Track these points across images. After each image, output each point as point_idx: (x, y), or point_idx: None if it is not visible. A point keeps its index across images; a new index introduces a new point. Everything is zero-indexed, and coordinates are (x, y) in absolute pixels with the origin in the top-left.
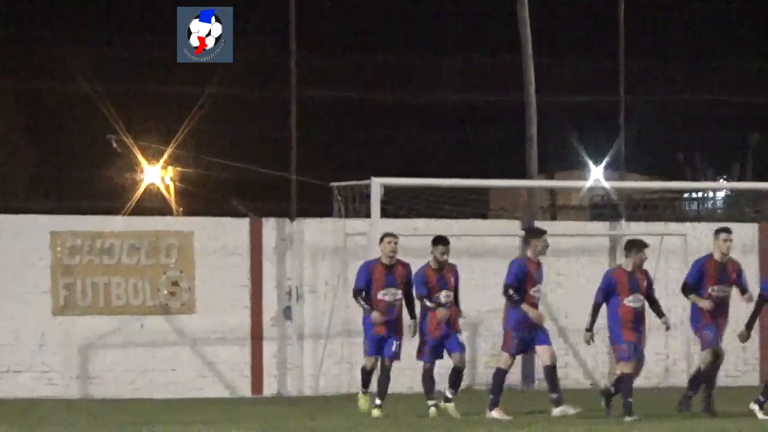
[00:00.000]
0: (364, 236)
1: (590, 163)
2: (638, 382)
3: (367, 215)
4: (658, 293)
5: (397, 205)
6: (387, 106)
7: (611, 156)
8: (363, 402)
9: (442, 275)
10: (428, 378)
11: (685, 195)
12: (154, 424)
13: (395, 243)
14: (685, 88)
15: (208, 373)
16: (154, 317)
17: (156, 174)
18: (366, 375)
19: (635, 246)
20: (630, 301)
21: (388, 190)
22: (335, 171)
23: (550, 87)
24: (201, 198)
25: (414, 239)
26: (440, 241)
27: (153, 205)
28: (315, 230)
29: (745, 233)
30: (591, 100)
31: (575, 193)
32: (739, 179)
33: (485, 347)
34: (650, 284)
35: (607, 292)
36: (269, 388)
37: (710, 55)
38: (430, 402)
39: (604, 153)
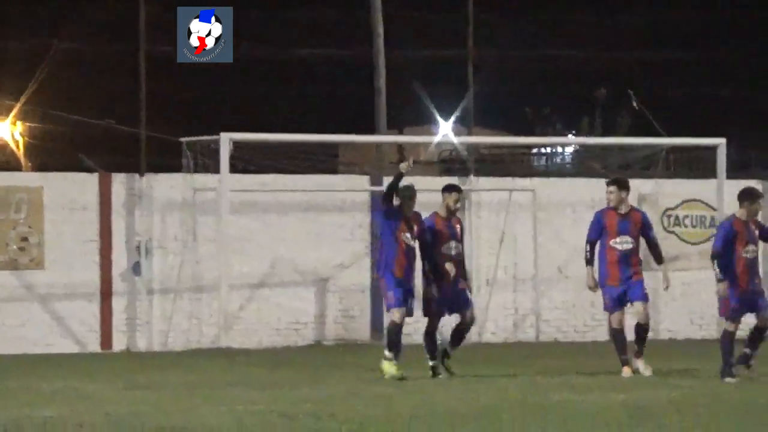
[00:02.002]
0: (213, 191)
1: (439, 119)
2: (488, 338)
3: (217, 170)
4: (507, 249)
5: (246, 160)
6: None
7: (460, 111)
8: (388, 367)
9: (451, 224)
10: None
11: (534, 150)
12: (4, 379)
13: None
14: (533, 42)
15: (58, 328)
16: (2, 272)
17: (5, 129)
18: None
19: (750, 196)
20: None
21: (237, 145)
22: (185, 126)
23: (398, 41)
24: (51, 153)
25: (262, 194)
26: (454, 188)
27: (2, 160)
28: (164, 185)
29: (593, 188)
30: (439, 54)
31: (424, 149)
32: (587, 134)
33: (334, 302)
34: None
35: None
36: (119, 344)
37: (558, 9)
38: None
39: (452, 108)
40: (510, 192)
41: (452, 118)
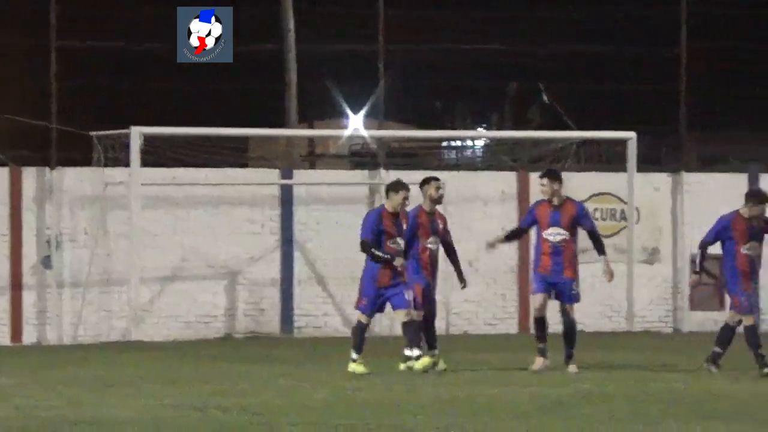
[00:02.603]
0: (123, 185)
1: (349, 112)
2: (397, 329)
3: (127, 164)
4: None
5: (156, 154)
6: (147, 55)
7: (370, 105)
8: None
9: (434, 219)
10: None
11: (444, 144)
12: None
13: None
14: (444, 36)
15: None
16: None
17: None
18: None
19: (755, 198)
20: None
21: (148, 139)
22: (96, 120)
23: (309, 35)
24: None
25: (173, 188)
26: (432, 178)
27: None
28: (74, 179)
29: (504, 181)
30: (350, 48)
31: (334, 142)
32: (498, 128)
33: (245, 295)
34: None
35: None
36: (29, 337)
37: (469, 3)
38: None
39: (363, 102)
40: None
41: (363, 112)
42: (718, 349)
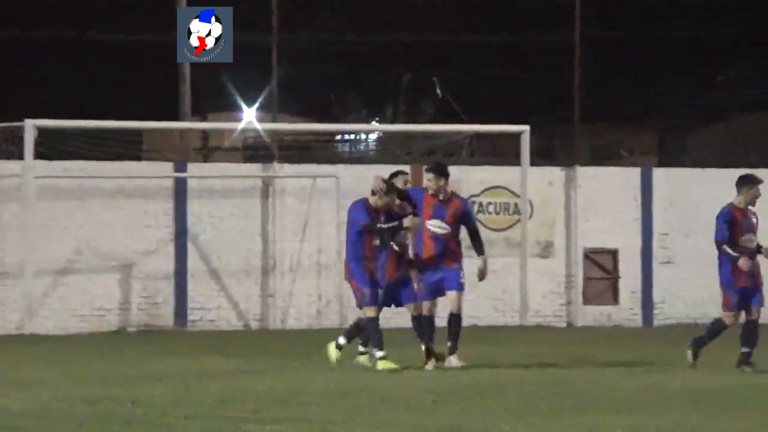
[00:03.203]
0: (17, 177)
1: (243, 105)
2: (291, 324)
3: (21, 157)
4: (311, 235)
5: (50, 146)
6: (39, 45)
7: (264, 98)
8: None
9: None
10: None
11: (338, 137)
12: None
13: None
14: (338, 29)
15: None
16: None
17: None
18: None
19: (750, 181)
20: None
21: (42, 132)
22: None
23: None
24: None
25: (67, 180)
26: (401, 172)
27: None
28: None
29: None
30: (244, 40)
31: (228, 135)
32: (392, 121)
33: (139, 289)
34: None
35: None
36: None
37: None
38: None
39: (257, 95)
40: (314, 178)
41: (256, 105)
42: (745, 349)
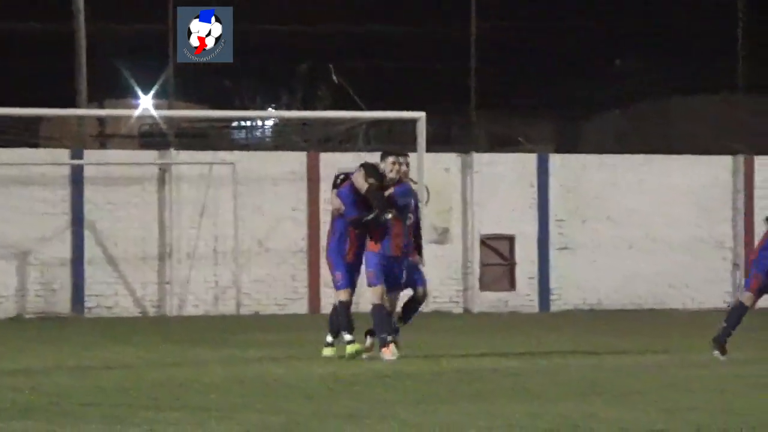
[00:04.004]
0: None
1: (139, 92)
2: (189, 310)
3: None
4: (208, 222)
5: None
6: None
7: (160, 84)
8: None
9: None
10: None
11: (234, 123)
12: None
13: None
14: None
15: None
16: None
17: None
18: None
19: None
20: None
21: None
22: None
23: (99, 15)
24: None
25: None
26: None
27: None
28: None
29: (294, 162)
30: (140, 28)
31: (125, 122)
32: (288, 108)
33: (36, 275)
34: None
35: None
36: None
37: None
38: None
39: (153, 81)
40: (210, 165)
41: (152, 92)
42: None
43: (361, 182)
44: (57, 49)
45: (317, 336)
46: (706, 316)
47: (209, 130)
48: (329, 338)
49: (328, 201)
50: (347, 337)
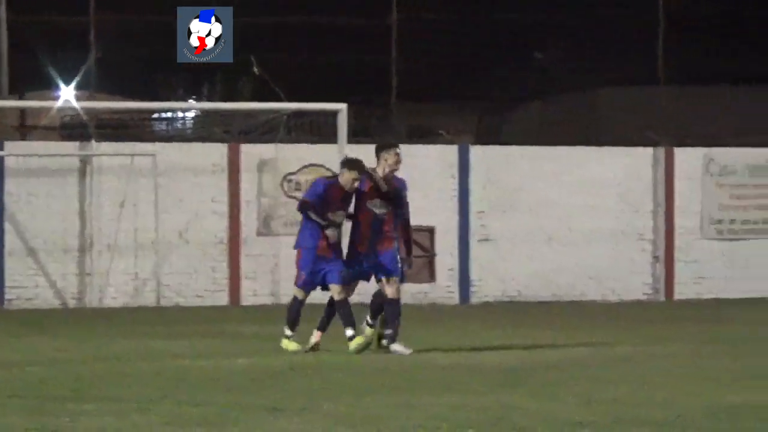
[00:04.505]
0: None
1: (61, 83)
2: (109, 302)
3: None
4: (128, 214)
5: None
6: None
7: (82, 76)
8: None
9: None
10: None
11: (156, 115)
12: None
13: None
14: (153, 8)
15: None
16: None
17: None
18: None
19: None
20: None
21: None
22: None
23: (20, 5)
24: None
25: None
26: (356, 166)
27: None
28: None
29: (215, 153)
30: (62, 19)
31: (46, 113)
32: (209, 99)
33: None
34: None
35: None
36: None
37: None
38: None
39: (74, 73)
40: (131, 157)
41: (74, 83)
42: None
43: (347, 178)
44: None
45: (238, 327)
46: (627, 308)
47: (130, 122)
48: (349, 331)
49: (248, 192)
50: (349, 332)
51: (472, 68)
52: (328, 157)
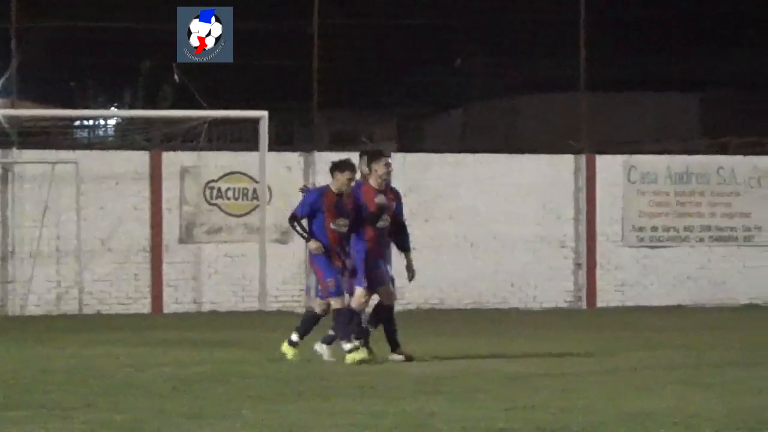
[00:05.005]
0: None
1: None
2: (31, 310)
3: None
4: (51, 221)
5: None
6: None
7: (2, 83)
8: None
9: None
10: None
11: (77, 122)
12: None
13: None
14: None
15: None
16: None
17: None
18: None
19: None
20: None
21: None
22: None
23: None
24: None
25: None
26: (348, 166)
27: None
28: None
29: (136, 161)
30: None
31: None
32: (130, 106)
33: None
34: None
35: None
36: None
37: None
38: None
39: None
40: (53, 164)
41: None
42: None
43: (341, 180)
44: None
45: (162, 335)
46: (548, 315)
47: (52, 129)
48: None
49: (170, 200)
50: (347, 345)
51: (394, 75)
52: (249, 164)
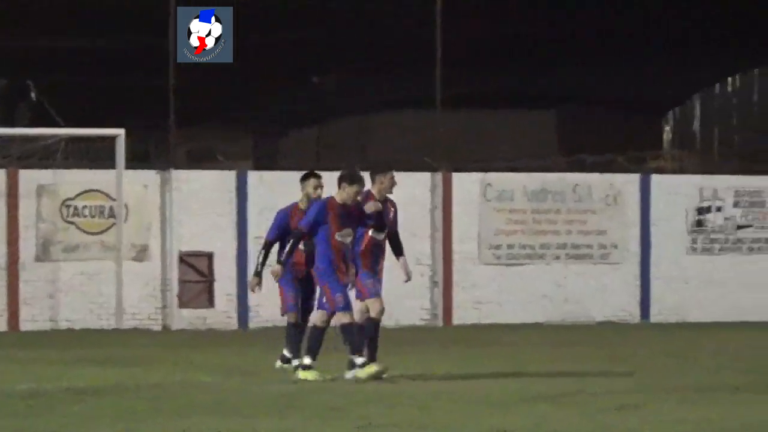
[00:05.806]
0: None
1: None
2: None
3: None
4: None
5: None
6: None
7: None
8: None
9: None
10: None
11: None
12: None
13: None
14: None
15: None
16: None
17: None
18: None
19: None
20: None
21: None
22: None
23: None
24: None
25: None
26: (313, 175)
27: None
28: None
29: None
30: None
31: None
32: None
33: None
34: None
35: None
36: None
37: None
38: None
39: None
40: None
41: None
42: None
43: (349, 193)
44: None
45: (18, 352)
46: (404, 333)
47: None
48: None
49: (27, 217)
50: (359, 360)
51: (249, 92)
52: (106, 182)
